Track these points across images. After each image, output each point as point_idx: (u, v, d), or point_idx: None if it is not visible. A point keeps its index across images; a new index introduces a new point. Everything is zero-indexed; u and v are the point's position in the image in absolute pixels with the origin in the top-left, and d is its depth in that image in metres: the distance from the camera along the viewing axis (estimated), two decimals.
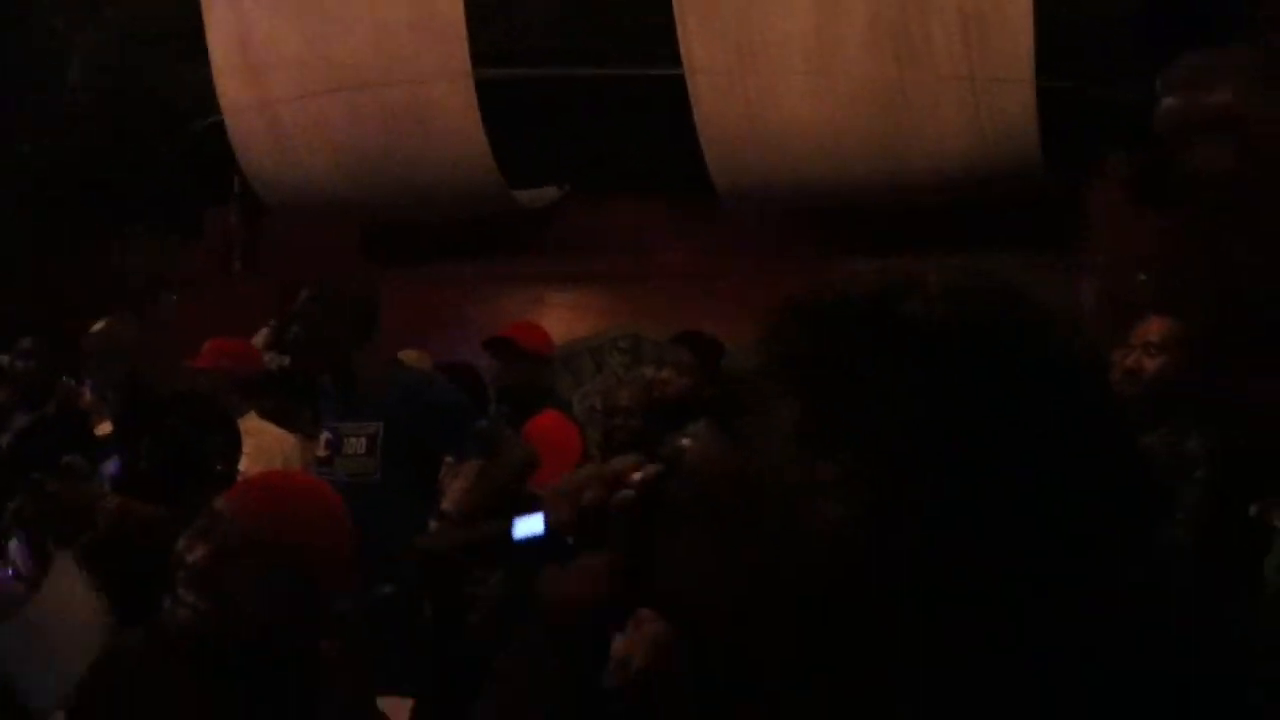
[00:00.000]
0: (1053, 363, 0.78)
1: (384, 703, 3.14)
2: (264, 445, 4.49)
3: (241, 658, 1.98)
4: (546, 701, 0.94)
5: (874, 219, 6.17)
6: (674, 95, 6.16)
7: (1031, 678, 0.74)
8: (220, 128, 6.55)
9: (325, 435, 4.02)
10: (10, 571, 3.68)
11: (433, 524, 3.63)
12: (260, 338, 5.89)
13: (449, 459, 3.74)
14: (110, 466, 3.96)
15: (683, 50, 6.06)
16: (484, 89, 6.30)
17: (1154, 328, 3.62)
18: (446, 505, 3.43)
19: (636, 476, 0.91)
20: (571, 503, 0.92)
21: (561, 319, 6.36)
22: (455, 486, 3.50)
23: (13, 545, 3.66)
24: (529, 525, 0.95)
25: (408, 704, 3.12)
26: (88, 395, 4.87)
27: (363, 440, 3.93)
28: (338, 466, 3.96)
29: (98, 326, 4.23)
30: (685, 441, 0.84)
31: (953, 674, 0.75)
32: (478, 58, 6.21)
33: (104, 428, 4.77)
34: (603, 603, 0.92)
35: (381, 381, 4.03)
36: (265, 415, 4.77)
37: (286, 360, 5.90)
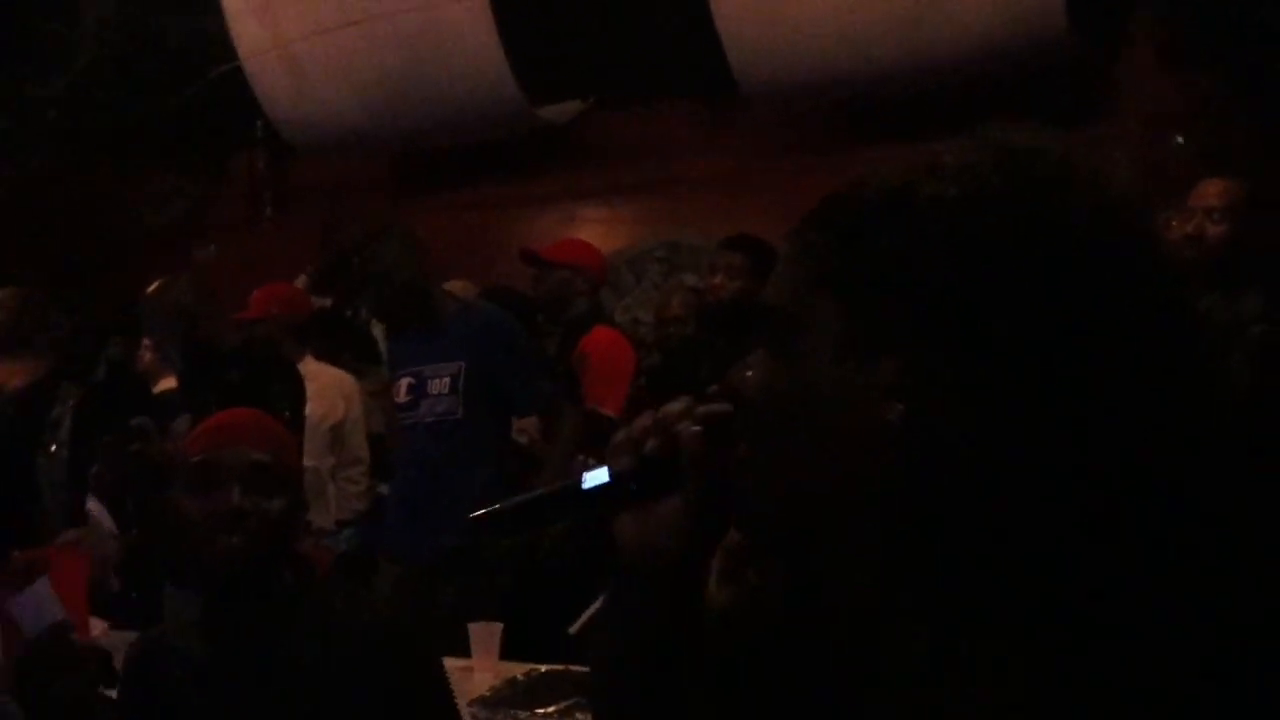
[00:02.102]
0: (1084, 221, 0.78)
1: (475, 628, 3.22)
2: (324, 386, 4.54)
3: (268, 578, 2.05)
4: (637, 649, 0.94)
5: (901, 105, 6.08)
6: None
7: (1104, 551, 0.75)
8: (238, 73, 6.51)
9: (406, 380, 4.05)
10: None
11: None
12: (301, 281, 5.91)
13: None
14: (181, 423, 4.02)
15: None
16: (499, 5, 6.21)
17: (1212, 191, 3.56)
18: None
19: (701, 411, 0.92)
20: (634, 451, 0.93)
21: (596, 234, 6.33)
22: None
23: (93, 507, 3.74)
24: (595, 476, 0.95)
25: (498, 628, 3.20)
26: (147, 354, 4.91)
27: (446, 380, 3.97)
28: (422, 408, 4.00)
29: (153, 286, 4.25)
30: (748, 373, 0.86)
31: (1036, 550, 0.76)
32: None
33: (165, 383, 4.83)
34: (682, 543, 0.92)
35: (458, 320, 4.05)
36: (320, 357, 4.80)
37: (328, 302, 5.93)
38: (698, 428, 0.91)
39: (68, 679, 2.22)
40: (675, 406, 0.94)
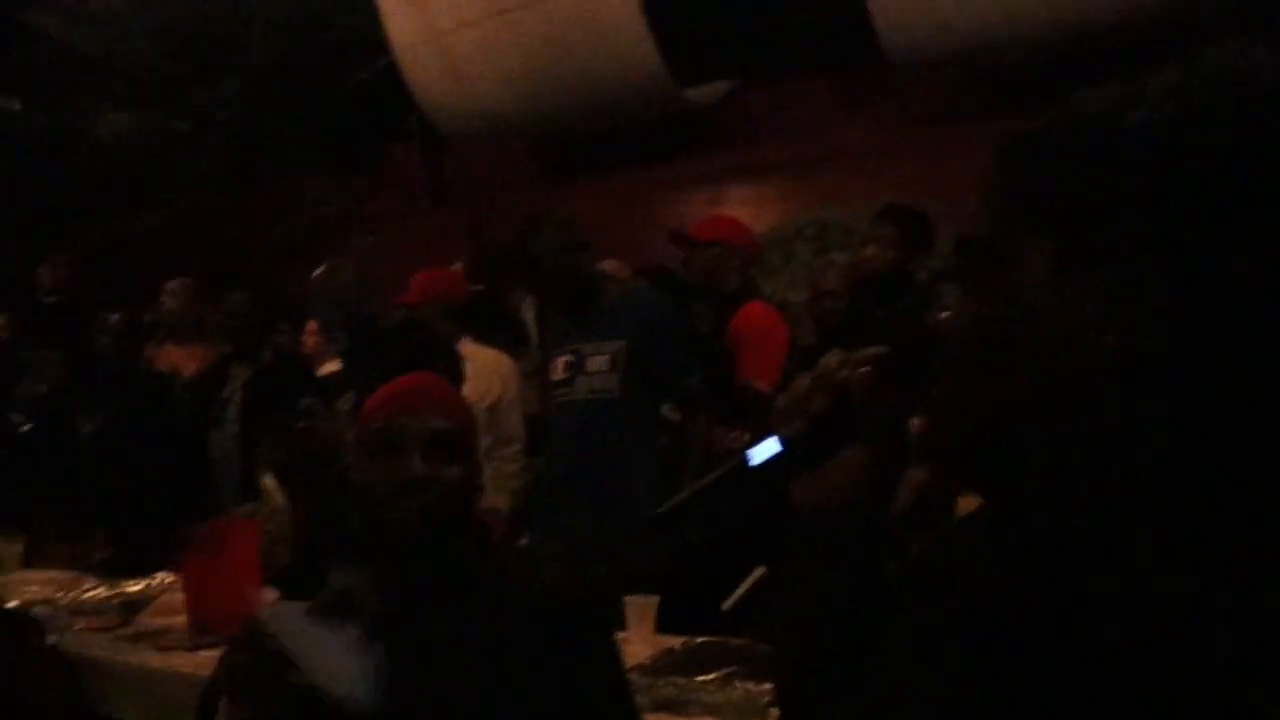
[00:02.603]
0: None
1: (633, 601, 3.25)
2: (482, 367, 4.62)
3: (446, 545, 2.06)
4: (834, 608, 0.93)
5: (1049, 72, 5.92)
6: None
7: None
8: (393, 68, 6.68)
9: (565, 358, 4.11)
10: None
11: None
12: (457, 266, 6.05)
13: None
14: (345, 402, 4.16)
15: None
16: None
17: None
18: None
19: (859, 355, 0.91)
20: (802, 413, 0.93)
21: (744, 213, 6.31)
22: None
23: (268, 482, 3.89)
24: (763, 450, 0.94)
25: (654, 601, 3.22)
26: (311, 338, 5.09)
27: (605, 358, 4.01)
28: (578, 385, 4.06)
29: (318, 271, 4.40)
30: (944, 315, 0.82)
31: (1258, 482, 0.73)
32: None
33: (329, 366, 5.00)
34: (866, 491, 0.92)
35: (620, 301, 4.10)
36: (476, 339, 4.90)
37: (482, 287, 6.06)
38: (867, 367, 0.91)
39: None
40: (831, 360, 0.94)
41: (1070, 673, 0.72)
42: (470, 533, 2.11)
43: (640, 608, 3.18)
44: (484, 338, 5.03)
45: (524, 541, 4.29)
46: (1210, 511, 0.73)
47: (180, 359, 4.92)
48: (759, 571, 3.18)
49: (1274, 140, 0.74)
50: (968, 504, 0.95)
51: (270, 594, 3.19)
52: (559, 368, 4.15)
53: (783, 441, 0.94)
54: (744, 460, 0.95)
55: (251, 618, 2.01)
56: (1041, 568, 0.79)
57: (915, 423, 0.93)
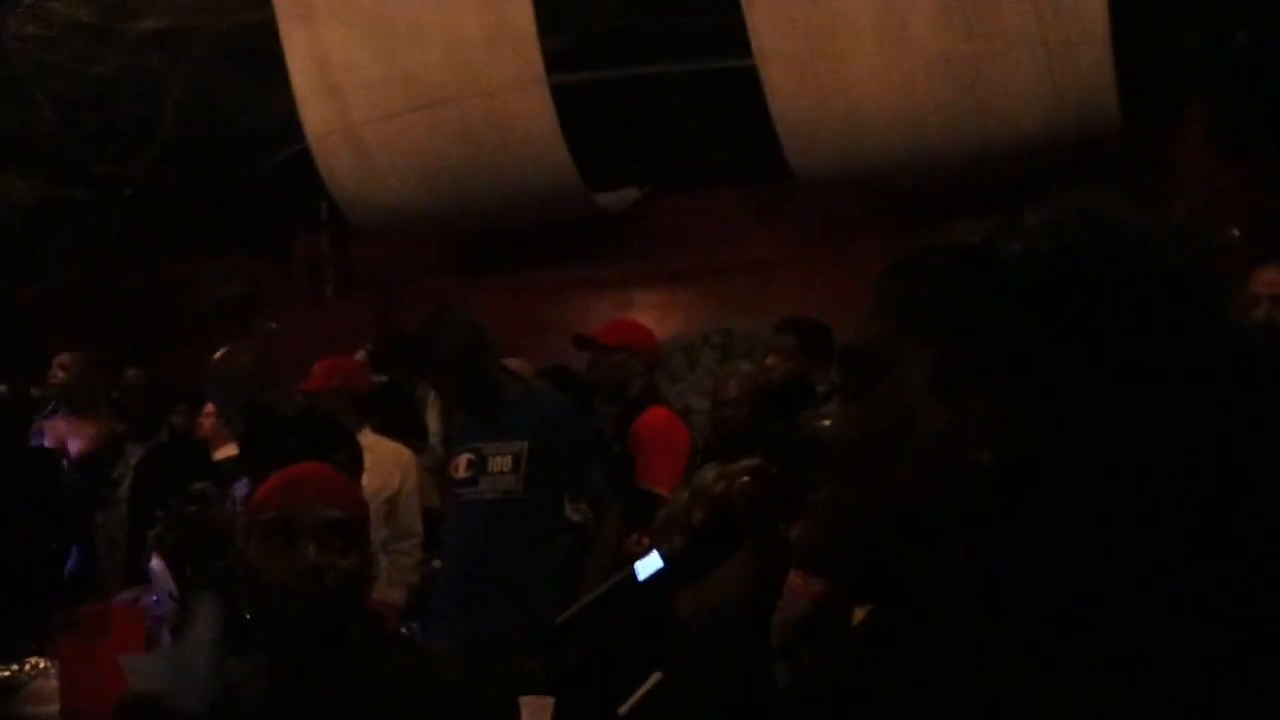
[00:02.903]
0: (1165, 276, 0.80)
1: (527, 702, 3.21)
2: (381, 459, 4.58)
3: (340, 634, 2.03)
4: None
5: (952, 191, 6.15)
6: (747, 86, 6.19)
7: (1212, 586, 0.76)
8: (305, 154, 6.69)
9: (467, 456, 4.10)
10: (155, 598, 3.82)
11: None
12: (360, 356, 6.02)
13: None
14: (240, 488, 4.09)
15: (753, 40, 6.07)
16: (559, 94, 6.36)
17: (1265, 279, 3.56)
18: None
19: (737, 467, 0.94)
20: (682, 526, 0.95)
21: (651, 319, 6.40)
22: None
23: (156, 566, 3.79)
24: (648, 565, 0.95)
25: (549, 702, 3.19)
26: (208, 420, 5.00)
27: (508, 458, 4.02)
28: (482, 485, 4.04)
29: (219, 353, 4.35)
30: (825, 422, 0.86)
31: (1116, 589, 0.77)
32: (551, 64, 6.28)
33: (226, 450, 4.91)
34: (747, 603, 0.94)
35: (523, 400, 4.12)
36: (378, 430, 4.87)
37: (385, 378, 6.03)
38: (746, 478, 0.93)
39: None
40: (708, 474, 0.96)
41: None
42: (364, 624, 2.10)
43: (536, 708, 3.14)
44: (385, 429, 4.99)
45: (409, 630, 4.22)
46: (1087, 617, 0.77)
47: (71, 433, 4.80)
48: (656, 676, 3.17)
49: (1132, 280, 0.80)
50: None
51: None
52: (461, 466, 4.14)
53: (663, 557, 0.95)
54: (633, 574, 0.96)
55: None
56: (925, 672, 0.83)
57: (796, 531, 0.95)
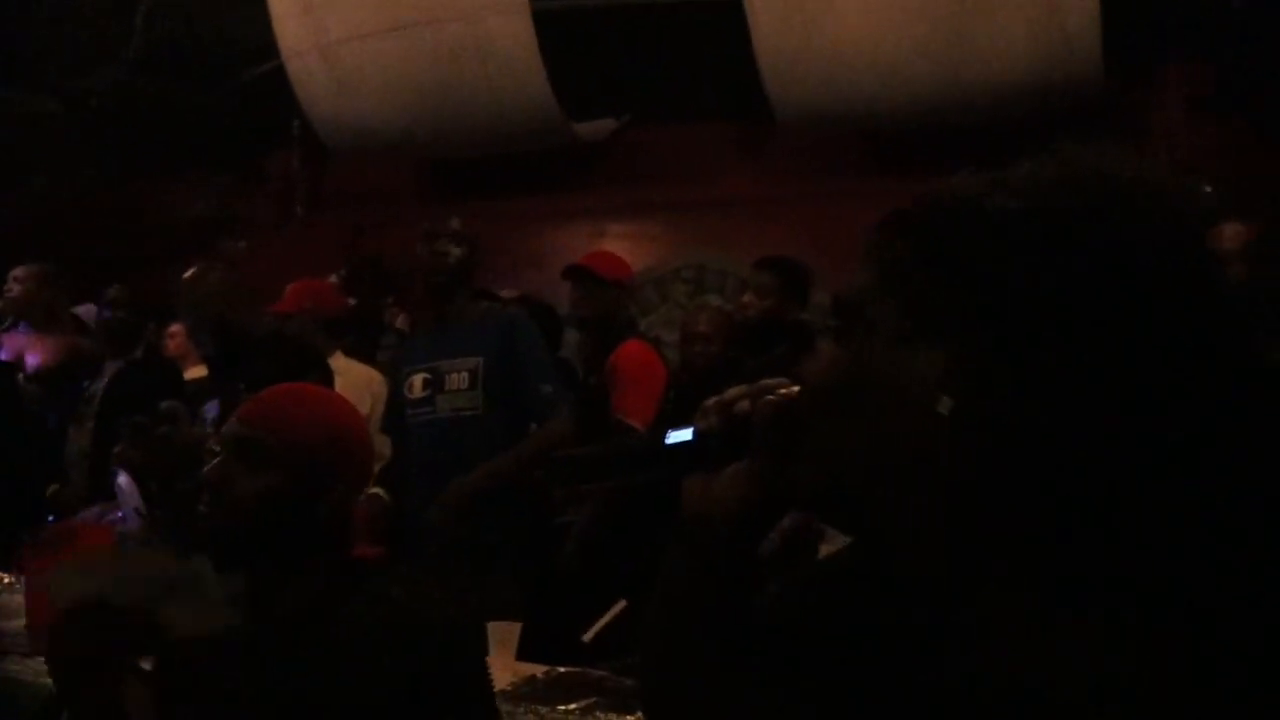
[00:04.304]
0: (1139, 234, 0.82)
1: (495, 627, 3.23)
2: (352, 382, 4.54)
3: (251, 555, 2.01)
4: (689, 614, 0.98)
5: (932, 137, 6.14)
6: (730, 19, 6.13)
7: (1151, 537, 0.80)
8: (280, 72, 6.58)
9: (422, 375, 4.07)
10: (120, 513, 3.80)
11: None
12: (332, 280, 5.96)
13: None
14: (210, 410, 4.05)
15: None
16: (541, 20, 6.28)
17: (1227, 234, 3.56)
18: None
19: (784, 390, 0.97)
20: (724, 411, 0.97)
21: (623, 250, 6.35)
22: None
23: (123, 482, 3.76)
24: (679, 434, 0.99)
25: (516, 627, 3.21)
26: (174, 340, 4.94)
27: (464, 375, 3.98)
28: (439, 404, 4.01)
29: (189, 272, 4.28)
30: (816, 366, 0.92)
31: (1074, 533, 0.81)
32: None
33: (195, 371, 4.87)
34: (744, 507, 0.96)
35: (477, 319, 4.09)
36: (349, 353, 4.84)
37: (353, 301, 5.98)
38: (773, 398, 0.96)
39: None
40: (772, 381, 0.99)
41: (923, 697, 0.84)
42: (333, 556, 2.07)
43: (502, 633, 3.17)
44: (358, 350, 4.96)
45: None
46: (1033, 555, 0.83)
47: (29, 347, 4.73)
48: (620, 604, 3.20)
49: (1116, 241, 0.82)
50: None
51: None
52: (416, 385, 4.10)
53: (696, 433, 0.98)
54: (661, 436, 0.99)
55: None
56: (903, 599, 0.88)
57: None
